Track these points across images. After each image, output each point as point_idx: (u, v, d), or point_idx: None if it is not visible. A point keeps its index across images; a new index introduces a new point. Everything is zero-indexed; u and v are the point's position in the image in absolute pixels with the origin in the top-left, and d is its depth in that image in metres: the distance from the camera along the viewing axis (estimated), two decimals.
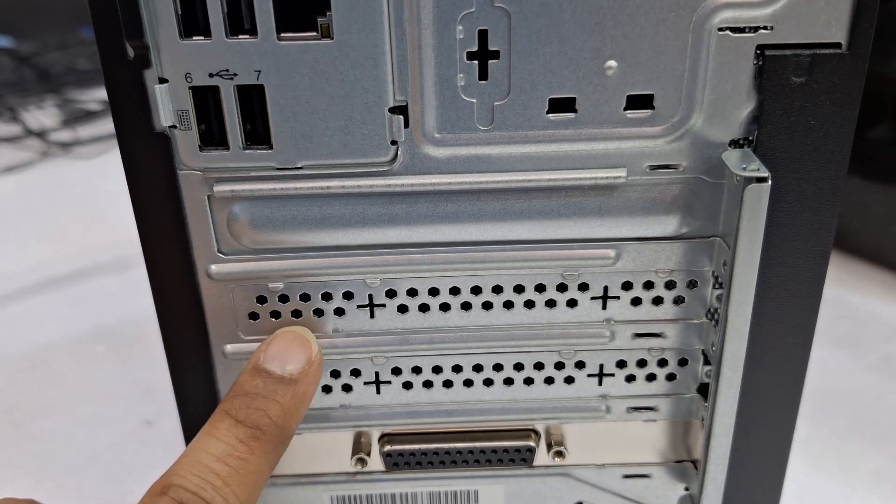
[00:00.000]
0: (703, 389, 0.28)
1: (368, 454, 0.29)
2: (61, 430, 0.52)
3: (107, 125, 0.93)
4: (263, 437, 0.23)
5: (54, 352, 0.61)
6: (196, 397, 0.28)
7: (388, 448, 0.29)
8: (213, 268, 0.26)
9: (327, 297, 0.27)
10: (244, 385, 0.24)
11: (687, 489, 0.30)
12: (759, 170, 0.23)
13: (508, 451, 0.29)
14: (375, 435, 0.29)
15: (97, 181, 0.85)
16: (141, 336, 0.63)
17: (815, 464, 0.47)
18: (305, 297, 0.27)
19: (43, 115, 0.93)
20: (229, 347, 0.27)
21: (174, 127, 0.24)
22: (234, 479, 0.23)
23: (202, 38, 0.22)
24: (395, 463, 0.29)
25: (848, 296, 0.63)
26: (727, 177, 0.24)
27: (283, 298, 0.27)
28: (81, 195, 0.83)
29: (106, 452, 0.50)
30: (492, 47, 0.23)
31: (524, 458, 0.29)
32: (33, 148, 0.88)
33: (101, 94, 0.97)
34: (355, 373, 0.28)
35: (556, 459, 0.29)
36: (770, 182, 0.23)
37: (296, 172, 0.24)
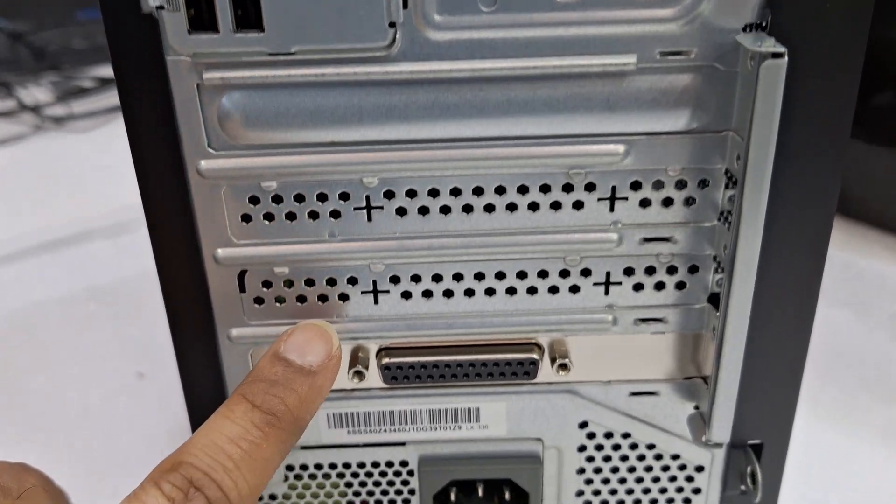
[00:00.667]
0: (715, 300, 0.27)
1: (366, 368, 0.28)
2: (52, 386, 0.51)
3: (101, 101, 0.92)
4: (278, 423, 0.23)
5: (46, 311, 0.60)
6: (183, 294, 0.27)
7: (386, 361, 0.28)
8: (203, 164, 0.25)
9: (322, 197, 0.26)
10: (263, 371, 0.24)
11: (697, 407, 0.29)
12: (774, 46, 0.22)
13: (511, 365, 0.28)
14: (373, 349, 0.28)
15: (91, 154, 0.85)
16: (135, 295, 0.62)
17: (823, 419, 0.46)
18: (300, 198, 0.26)
19: (38, 92, 0.93)
20: (221, 252, 0.26)
21: (161, 8, 0.23)
22: (246, 463, 0.22)
23: None
24: (393, 377, 0.28)
25: (854, 259, 0.63)
26: (741, 62, 0.23)
27: (277, 199, 0.26)
28: (75, 167, 0.82)
29: (97, 407, 0.49)
30: None
31: (527, 371, 0.28)
32: (27, 122, 0.88)
33: (96, 72, 0.97)
34: (352, 281, 0.27)
35: (561, 373, 0.28)
36: (786, 59, 0.22)
37: (289, 58, 0.23)
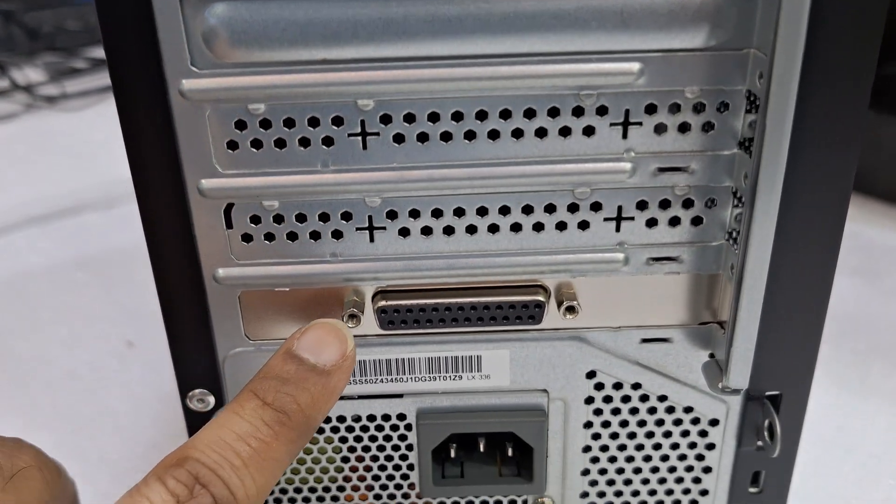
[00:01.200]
0: (733, 236, 0.25)
1: (362, 311, 0.26)
2: (39, 350, 0.50)
3: (94, 81, 0.92)
4: (289, 422, 0.22)
5: (35, 279, 0.59)
6: (165, 230, 0.25)
7: (382, 304, 0.26)
8: (186, 84, 0.23)
9: (314, 122, 0.24)
10: (275, 368, 0.23)
11: (712, 355, 0.28)
12: None
13: (515, 307, 0.26)
14: (369, 293, 0.27)
15: (83, 131, 0.84)
16: (125, 264, 0.60)
17: (837, 383, 0.45)
18: (290, 123, 0.24)
19: (31, 72, 0.92)
20: (205, 183, 0.24)
21: None
22: (255, 462, 0.22)
23: None
24: (390, 321, 0.26)
25: (863, 229, 0.62)
26: None
27: (265, 124, 0.24)
28: (67, 144, 0.81)
29: (84, 371, 0.48)
30: None
31: (532, 315, 0.26)
32: (19, 101, 0.87)
33: (90, 53, 0.96)
34: (346, 216, 0.25)
35: (568, 317, 0.26)
36: None
37: None
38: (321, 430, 0.29)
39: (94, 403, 0.45)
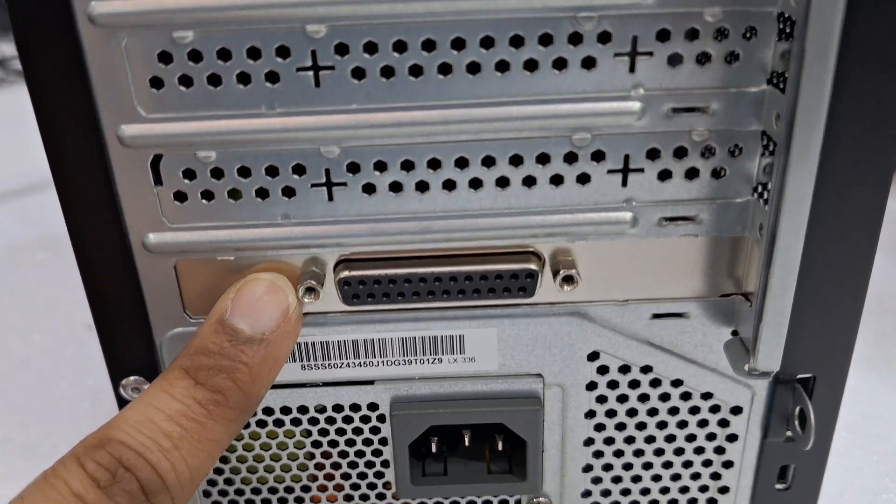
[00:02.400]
0: (762, 191, 0.21)
1: (321, 284, 0.22)
2: None
3: None
4: (226, 402, 0.20)
5: None
6: (82, 188, 0.21)
7: (345, 275, 0.22)
8: (95, 6, 0.19)
9: (255, 54, 0.20)
10: (206, 342, 0.21)
11: (735, 333, 0.24)
12: None
13: (502, 278, 0.22)
14: (331, 262, 0.23)
15: None
16: None
17: (864, 368, 0.43)
18: (225, 55, 0.20)
19: (4, 45, 0.88)
20: (126, 130, 0.20)
21: None
22: (187, 444, 0.20)
23: None
24: (354, 295, 0.22)
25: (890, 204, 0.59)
26: None
27: (195, 56, 0.20)
28: (35, 121, 0.76)
29: (39, 358, 0.44)
30: None
31: (523, 286, 0.22)
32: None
33: None
34: (298, 170, 0.21)
35: (566, 288, 0.22)
36: None
37: None
38: (280, 423, 0.25)
39: (47, 394, 0.41)
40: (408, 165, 0.21)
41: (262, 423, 0.25)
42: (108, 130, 0.20)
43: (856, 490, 0.36)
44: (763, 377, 0.22)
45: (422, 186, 0.21)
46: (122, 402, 0.24)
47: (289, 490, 0.27)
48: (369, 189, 0.21)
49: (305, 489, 0.27)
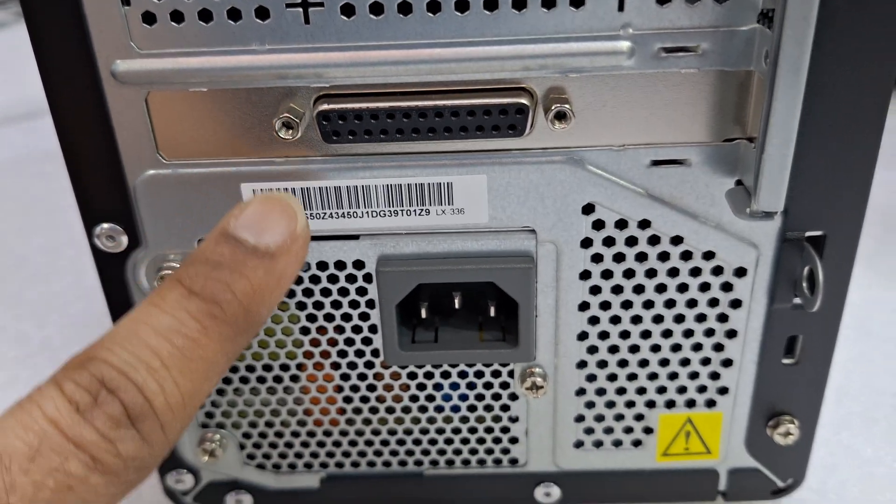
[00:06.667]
0: (767, 18, 0.20)
1: (299, 119, 0.21)
2: None
3: None
4: (223, 315, 0.18)
5: (2, 171, 0.55)
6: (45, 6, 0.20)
7: (324, 107, 0.21)
8: None
9: None
10: (206, 252, 0.19)
11: (739, 182, 0.22)
12: None
13: (491, 113, 0.21)
14: (312, 97, 0.21)
15: None
16: None
17: (883, 282, 0.41)
18: None
19: None
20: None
21: None
22: (177, 363, 0.18)
23: None
24: (334, 131, 0.21)
25: None
26: None
27: None
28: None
29: (38, 257, 0.44)
30: None
31: (513, 123, 0.21)
32: (11, 10, 0.86)
33: None
34: None
35: (558, 126, 0.21)
36: None
37: None
38: None
39: (45, 289, 0.41)
40: None
41: None
42: None
43: (875, 392, 0.35)
44: (766, 219, 0.21)
45: (404, 8, 0.20)
46: (96, 253, 0.23)
47: (284, 367, 0.26)
48: (348, 10, 0.20)
49: (291, 356, 0.26)
